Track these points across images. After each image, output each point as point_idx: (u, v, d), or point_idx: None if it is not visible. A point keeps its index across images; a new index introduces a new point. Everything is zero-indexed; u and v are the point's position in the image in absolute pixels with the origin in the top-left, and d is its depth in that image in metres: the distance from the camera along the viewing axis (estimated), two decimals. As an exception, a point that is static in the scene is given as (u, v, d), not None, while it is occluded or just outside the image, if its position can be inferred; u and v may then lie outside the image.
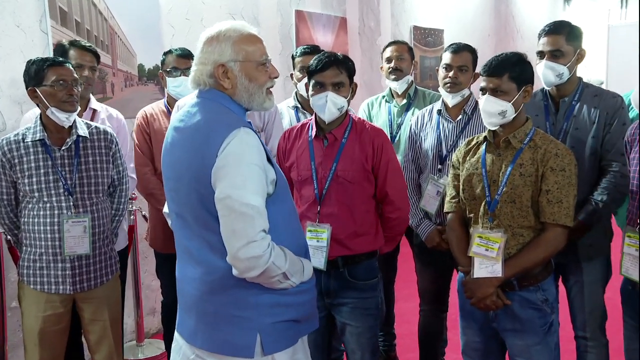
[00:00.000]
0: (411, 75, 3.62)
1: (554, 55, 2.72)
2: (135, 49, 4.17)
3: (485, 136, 2.41)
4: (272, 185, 1.90)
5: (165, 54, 3.37)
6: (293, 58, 3.48)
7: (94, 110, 3.12)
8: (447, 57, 2.99)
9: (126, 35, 4.10)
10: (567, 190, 2.25)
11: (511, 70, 2.31)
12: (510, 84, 2.30)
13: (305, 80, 3.24)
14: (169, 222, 2.21)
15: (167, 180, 2.01)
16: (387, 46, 3.68)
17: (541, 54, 2.77)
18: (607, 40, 10.14)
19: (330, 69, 2.44)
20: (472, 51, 3.04)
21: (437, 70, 3.08)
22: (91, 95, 3.16)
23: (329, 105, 2.44)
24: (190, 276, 1.97)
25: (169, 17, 4.36)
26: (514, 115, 2.31)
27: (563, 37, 2.72)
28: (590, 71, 10.62)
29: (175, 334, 2.08)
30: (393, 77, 3.55)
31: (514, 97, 2.29)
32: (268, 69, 1.97)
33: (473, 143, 2.47)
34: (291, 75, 3.50)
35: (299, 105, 3.41)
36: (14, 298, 3.21)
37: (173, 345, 2.10)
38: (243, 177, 1.80)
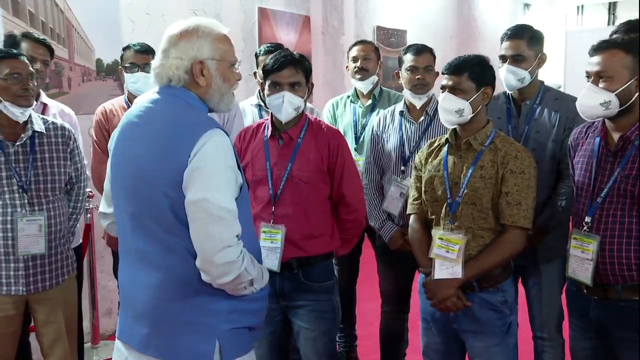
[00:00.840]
0: (377, 75, 3.62)
1: (516, 59, 2.74)
2: (93, 43, 4.07)
3: (447, 138, 2.42)
4: (238, 189, 1.85)
5: (124, 49, 3.30)
6: (257, 56, 3.45)
7: (45, 105, 3.02)
8: (410, 59, 2.99)
9: (84, 29, 4.00)
10: (526, 193, 2.27)
11: (471, 70, 2.33)
12: (469, 83, 2.32)
13: None
14: (105, 223, 2.09)
15: (119, 179, 1.91)
16: (353, 45, 3.68)
17: (503, 58, 2.79)
18: (565, 45, 10.35)
19: (287, 68, 2.41)
20: (432, 51, 3.07)
21: (397, 73, 3.08)
22: (41, 90, 3.06)
23: (286, 105, 2.41)
24: (144, 282, 1.87)
25: (129, 11, 4.27)
26: (472, 115, 2.32)
27: (525, 41, 2.75)
28: (548, 75, 10.85)
29: (118, 342, 1.98)
30: (359, 76, 3.54)
31: (472, 97, 2.31)
32: (234, 71, 1.93)
33: (435, 145, 2.48)
34: (254, 73, 3.46)
35: (262, 104, 3.38)
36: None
37: (115, 355, 1.99)
38: (219, 179, 1.75)
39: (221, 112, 2.06)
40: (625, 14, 10.86)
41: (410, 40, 7.74)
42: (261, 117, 3.32)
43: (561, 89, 10.78)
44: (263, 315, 2.01)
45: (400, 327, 3.22)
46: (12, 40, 2.93)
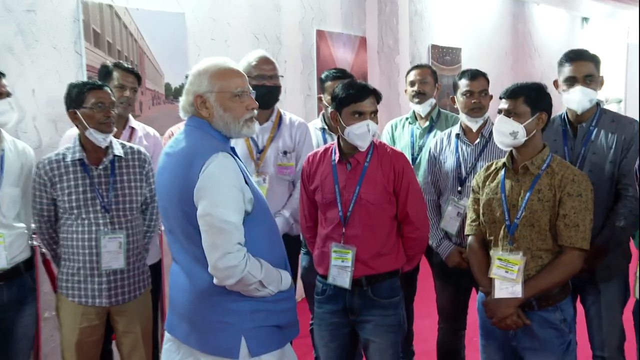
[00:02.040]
0: (434, 98, 3.72)
1: (586, 80, 2.79)
2: (162, 68, 4.31)
3: (504, 162, 2.50)
4: (249, 204, 2.13)
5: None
6: (322, 81, 3.54)
7: (132, 129, 3.24)
8: (465, 84, 3.10)
9: (154, 55, 4.24)
10: (583, 215, 2.34)
11: (527, 94, 2.42)
12: (525, 107, 2.41)
13: None
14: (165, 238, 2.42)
15: (159, 201, 2.27)
16: (410, 70, 3.80)
17: (572, 80, 2.81)
18: (626, 59, 10.18)
19: (369, 98, 2.57)
20: (486, 76, 3.18)
21: (452, 98, 3.18)
22: (130, 115, 3.29)
23: (371, 133, 2.56)
24: (181, 286, 2.22)
25: (195, 38, 4.50)
26: (526, 138, 2.40)
27: (592, 63, 2.82)
28: (609, 89, 10.68)
29: (168, 335, 2.30)
30: (417, 100, 3.65)
31: (526, 120, 2.39)
32: (243, 101, 2.17)
33: (492, 168, 2.57)
34: (320, 98, 3.57)
35: (326, 127, 3.51)
36: (46, 309, 3.34)
37: (166, 346, 2.29)
38: (221, 196, 2.04)
39: (235, 138, 2.27)
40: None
41: (465, 58, 7.80)
42: (325, 140, 3.46)
43: (621, 104, 10.55)
44: (291, 316, 2.28)
45: (457, 344, 3.28)
46: (105, 71, 3.19)
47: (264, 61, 3.16)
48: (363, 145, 2.59)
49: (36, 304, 2.84)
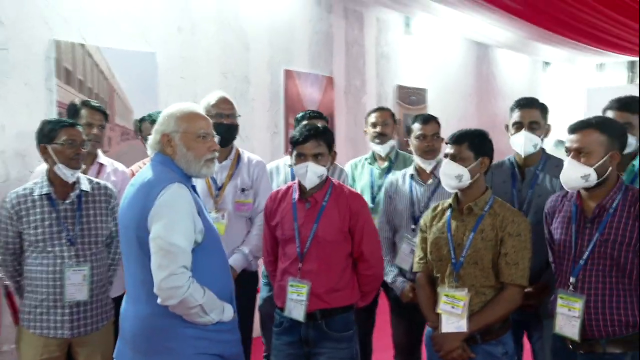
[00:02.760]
0: (393, 139, 3.89)
1: (532, 126, 2.99)
2: (132, 105, 4.42)
3: (450, 203, 2.66)
4: (200, 235, 2.30)
5: (140, 120, 3.68)
6: (297, 121, 3.70)
7: (101, 165, 3.35)
8: (418, 128, 3.30)
9: (124, 92, 4.35)
10: (522, 254, 2.52)
11: (471, 140, 2.61)
12: (469, 152, 2.59)
13: None
14: None
15: (120, 229, 2.45)
16: (371, 112, 3.98)
17: (519, 125, 3.01)
18: (586, 102, 10.58)
19: (310, 141, 2.71)
20: (437, 120, 3.38)
21: (406, 141, 3.36)
22: (99, 151, 3.39)
23: (309, 174, 2.70)
24: (127, 313, 2.37)
25: (165, 76, 4.63)
26: (470, 181, 2.57)
27: (538, 110, 3.02)
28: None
29: None
30: (377, 141, 3.83)
31: (470, 164, 2.57)
32: (207, 142, 2.38)
33: (439, 209, 2.73)
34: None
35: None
36: (5, 342, 3.36)
37: None
38: (171, 221, 2.21)
39: (195, 177, 2.45)
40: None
41: (431, 98, 8.05)
42: (293, 177, 3.58)
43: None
44: (233, 347, 2.41)
45: (412, 376, 3.39)
46: (73, 108, 3.32)
47: (223, 101, 3.32)
48: (305, 184, 2.74)
49: None
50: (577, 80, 11.78)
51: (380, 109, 4.01)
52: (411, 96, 7.74)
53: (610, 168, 2.38)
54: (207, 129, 2.41)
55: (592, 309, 2.35)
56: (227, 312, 2.35)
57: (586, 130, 2.41)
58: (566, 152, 2.47)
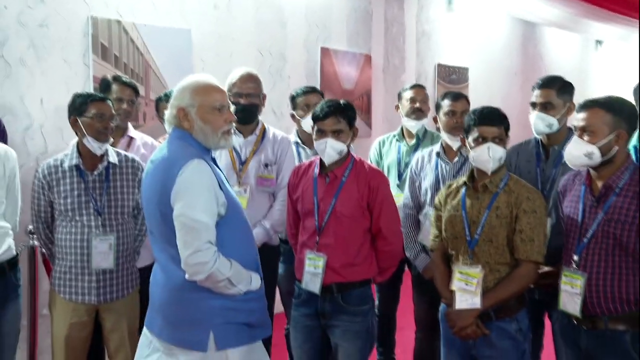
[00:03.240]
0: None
1: (545, 106, 2.96)
2: (167, 80, 4.51)
3: (465, 181, 2.65)
4: (223, 208, 2.32)
5: (157, 100, 3.74)
6: (293, 98, 3.70)
7: (131, 138, 3.44)
8: (448, 105, 3.28)
9: (159, 68, 4.45)
10: (538, 230, 2.50)
11: (505, 122, 2.62)
12: (503, 132, 2.60)
13: (309, 117, 3.53)
14: None
15: (143, 204, 2.49)
16: (408, 88, 3.96)
17: (534, 105, 3.00)
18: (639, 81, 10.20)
19: (330, 117, 2.73)
20: (467, 98, 3.37)
21: (435, 117, 3.34)
22: (129, 124, 3.48)
23: (329, 150, 2.73)
24: (158, 282, 2.43)
25: (201, 53, 4.71)
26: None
27: (553, 91, 2.96)
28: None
29: (145, 329, 2.49)
30: (414, 116, 3.81)
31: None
32: (223, 114, 2.39)
33: (453, 187, 2.72)
34: (292, 115, 3.73)
35: (299, 141, 3.68)
36: (45, 306, 3.53)
37: (142, 339, 2.49)
38: (194, 198, 2.24)
39: (214, 149, 2.47)
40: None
41: (473, 77, 7.93)
42: (298, 153, 3.63)
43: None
44: (260, 315, 2.45)
45: (433, 352, 3.37)
46: (105, 83, 3.40)
47: (244, 79, 3.32)
48: (325, 160, 2.77)
49: (19, 300, 2.99)
50: (632, 59, 11.35)
51: (418, 86, 4.00)
52: (452, 75, 7.64)
53: (617, 147, 2.35)
54: (223, 100, 2.42)
55: (593, 286, 2.36)
56: (255, 281, 2.40)
57: (592, 109, 2.39)
58: (574, 131, 2.44)
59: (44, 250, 3.14)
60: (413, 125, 3.83)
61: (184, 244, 2.24)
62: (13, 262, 2.94)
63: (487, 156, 2.55)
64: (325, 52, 5.82)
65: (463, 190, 2.65)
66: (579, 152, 2.38)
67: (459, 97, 3.32)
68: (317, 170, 2.84)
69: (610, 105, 2.38)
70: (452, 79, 7.62)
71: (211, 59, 4.78)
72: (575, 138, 2.41)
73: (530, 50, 9.47)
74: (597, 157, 2.35)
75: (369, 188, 2.77)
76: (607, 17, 8.45)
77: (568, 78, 3.10)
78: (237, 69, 3.46)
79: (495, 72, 8.53)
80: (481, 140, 2.58)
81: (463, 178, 2.68)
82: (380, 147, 3.95)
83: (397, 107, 4.00)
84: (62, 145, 3.79)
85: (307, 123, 3.54)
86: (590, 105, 2.40)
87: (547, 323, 3.08)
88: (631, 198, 2.33)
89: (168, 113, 2.43)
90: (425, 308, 3.33)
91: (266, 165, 3.32)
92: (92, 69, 3.95)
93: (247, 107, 3.28)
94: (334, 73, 5.94)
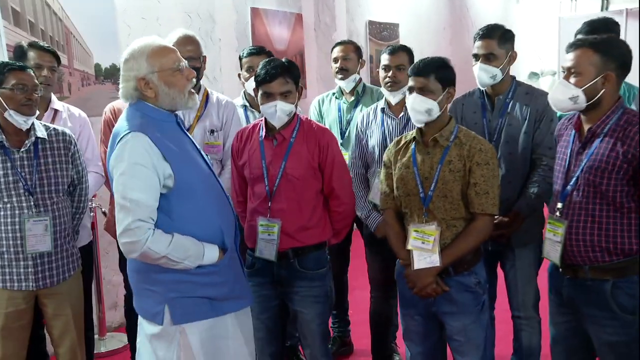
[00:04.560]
0: (358, 73, 3.77)
1: (488, 58, 2.92)
2: (91, 48, 4.24)
3: (414, 136, 2.58)
4: (170, 180, 2.20)
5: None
6: (240, 58, 3.60)
7: (56, 110, 3.19)
8: (384, 59, 3.19)
9: (82, 35, 4.16)
10: (492, 182, 2.45)
11: (436, 71, 2.49)
12: (437, 84, 2.48)
13: (252, 79, 3.40)
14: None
15: None
16: (334, 47, 3.84)
17: (476, 57, 2.96)
18: (558, 32, 10.44)
19: (277, 79, 2.60)
20: (408, 51, 3.24)
21: (377, 72, 3.25)
22: (52, 95, 3.22)
23: (279, 113, 2.61)
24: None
25: (125, 17, 4.43)
26: (439, 114, 2.48)
27: (495, 41, 2.92)
28: (543, 62, 10.96)
29: None
30: (340, 76, 3.71)
31: (439, 97, 2.47)
32: (184, 73, 2.26)
33: (402, 142, 2.64)
34: (239, 75, 3.61)
35: (247, 104, 3.55)
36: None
37: None
38: (124, 175, 2.15)
39: (182, 110, 2.38)
40: (618, 1, 10.97)
41: (403, 33, 7.88)
42: (247, 116, 3.50)
43: (556, 76, 10.76)
44: (223, 288, 2.32)
45: (389, 311, 3.39)
46: (20, 51, 3.10)
47: (182, 42, 3.12)
48: (274, 124, 2.65)
49: None
50: (550, 11, 11.62)
51: (341, 43, 3.86)
52: (383, 32, 7.56)
53: (604, 90, 2.26)
54: (180, 59, 2.28)
55: (573, 234, 2.31)
56: (209, 254, 2.27)
57: (580, 50, 2.28)
58: (562, 71, 2.36)
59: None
60: (343, 85, 3.74)
61: (117, 222, 2.17)
62: None
63: (410, 107, 2.50)
64: (255, 12, 5.62)
65: (413, 146, 2.58)
66: (563, 96, 2.29)
67: (396, 51, 3.20)
68: (262, 133, 2.72)
69: (600, 45, 2.26)
70: (384, 35, 7.55)
71: (137, 24, 4.51)
72: (561, 80, 2.32)
73: (457, 3, 9.51)
74: (583, 101, 2.27)
75: (318, 147, 2.67)
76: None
77: None
78: (173, 31, 3.24)
79: (425, 27, 8.52)
80: (409, 91, 2.52)
81: (412, 133, 2.61)
82: (320, 105, 3.85)
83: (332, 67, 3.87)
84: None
85: (251, 85, 3.42)
86: (579, 45, 2.29)
87: (500, 273, 3.13)
88: (612, 145, 2.23)
89: (124, 88, 2.26)
90: (379, 267, 3.29)
91: (212, 132, 3.16)
92: (3, 37, 3.63)
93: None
94: (266, 34, 5.76)
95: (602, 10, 11.45)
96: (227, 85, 5.25)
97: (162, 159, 2.18)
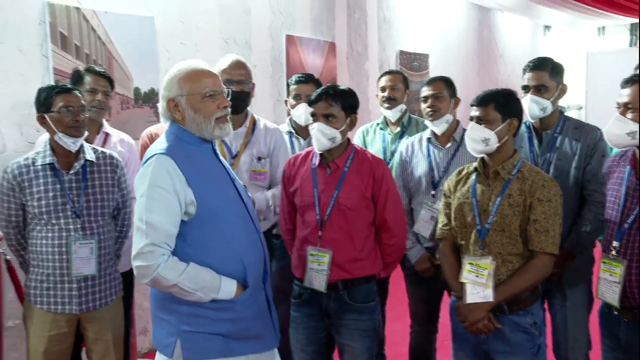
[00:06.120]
0: (405, 104, 3.75)
1: (538, 89, 2.87)
2: (132, 72, 4.25)
3: (476, 167, 2.54)
4: (192, 207, 2.13)
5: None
6: (288, 85, 3.61)
7: (107, 134, 3.19)
8: (424, 90, 3.21)
9: (123, 59, 4.19)
10: (553, 220, 2.38)
11: (497, 101, 2.46)
12: (495, 114, 2.45)
13: (299, 106, 3.41)
14: None
15: None
16: (382, 75, 3.82)
17: (526, 88, 2.91)
18: (585, 66, 10.42)
19: (321, 101, 2.59)
20: (446, 80, 3.25)
21: (415, 106, 3.25)
22: (104, 120, 3.23)
23: (318, 135, 2.58)
24: None
25: (165, 42, 4.46)
26: (498, 145, 2.44)
27: (546, 72, 2.88)
28: (570, 96, 10.91)
29: None
30: (387, 105, 3.68)
31: (497, 127, 2.43)
32: (215, 100, 2.21)
33: (463, 173, 2.60)
34: (285, 101, 3.62)
35: (293, 131, 3.54)
36: (9, 318, 3.26)
37: None
38: (143, 197, 2.10)
39: (209, 139, 2.28)
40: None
41: (433, 63, 7.90)
42: (292, 144, 3.48)
43: (582, 110, 10.73)
44: (239, 326, 2.19)
45: (429, 347, 3.31)
46: (77, 75, 3.13)
47: (234, 66, 3.13)
48: (315, 147, 2.63)
49: None
50: (578, 44, 11.61)
51: (390, 72, 3.85)
52: (413, 62, 7.58)
53: None
54: (214, 86, 2.23)
55: (633, 275, 2.23)
56: (226, 288, 2.15)
57: (637, 85, 2.25)
58: (617, 107, 2.32)
59: (7, 257, 2.87)
60: (389, 115, 3.72)
61: (132, 244, 2.11)
62: None
63: (467, 135, 2.49)
64: (290, 39, 5.65)
65: (473, 176, 2.53)
66: (620, 132, 2.26)
67: (433, 81, 3.24)
68: (316, 161, 2.68)
69: None
70: (414, 65, 7.56)
71: (176, 48, 4.54)
72: (617, 116, 2.29)
73: (485, 35, 9.53)
74: None
75: (373, 178, 2.63)
76: (556, 1, 8.56)
77: (519, 62, 3.05)
78: (226, 55, 3.25)
79: (454, 57, 8.54)
80: (470, 120, 2.50)
81: (474, 164, 2.56)
82: (364, 135, 3.82)
83: (377, 96, 3.84)
84: (21, 142, 3.52)
85: (297, 113, 3.41)
86: (637, 80, 2.26)
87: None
88: None
89: (160, 106, 2.27)
90: (422, 300, 3.24)
91: (259, 159, 3.13)
92: (51, 60, 3.66)
93: (239, 94, 3.09)
94: (300, 61, 5.78)
95: (630, 45, 11.43)
96: (261, 112, 5.22)
97: (185, 184, 2.12)
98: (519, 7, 9.06)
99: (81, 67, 3.23)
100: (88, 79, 3.08)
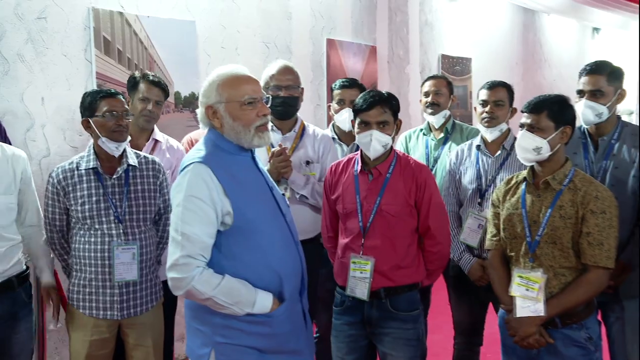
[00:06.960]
0: (449, 109, 3.65)
1: (594, 94, 2.75)
2: (172, 76, 4.26)
3: (525, 176, 2.44)
4: (229, 217, 2.07)
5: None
6: (332, 90, 3.55)
7: (156, 141, 3.18)
8: (483, 94, 3.07)
9: (164, 63, 4.20)
10: (607, 233, 2.27)
11: (550, 108, 2.36)
12: (548, 122, 2.35)
13: (343, 112, 3.34)
14: None
15: None
16: (426, 80, 3.74)
17: (581, 93, 2.80)
18: (638, 70, 10.07)
19: (375, 108, 2.53)
20: (508, 87, 3.11)
21: (475, 108, 3.13)
22: (155, 127, 3.21)
23: (374, 143, 2.52)
24: None
25: (205, 46, 4.46)
26: (550, 154, 2.34)
27: (604, 77, 2.76)
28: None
29: None
30: (430, 111, 3.59)
31: (550, 135, 2.33)
32: (255, 107, 2.13)
33: (513, 182, 2.50)
34: (329, 106, 3.56)
35: (336, 137, 3.47)
36: (51, 321, 3.26)
37: None
38: (179, 207, 2.05)
39: (248, 147, 2.21)
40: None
41: (475, 68, 7.74)
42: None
43: (633, 115, 10.40)
44: (269, 341, 2.13)
45: (473, 358, 3.20)
46: (133, 81, 3.13)
47: (282, 71, 3.11)
48: (369, 154, 2.56)
49: (31, 318, 2.72)
50: (630, 47, 11.25)
51: (434, 77, 3.76)
52: (455, 66, 7.44)
53: None
54: (253, 93, 2.16)
55: None
56: (261, 302, 2.10)
57: None
58: None
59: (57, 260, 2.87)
60: (432, 120, 3.62)
61: (168, 255, 2.07)
62: (23, 277, 2.68)
63: (517, 144, 2.39)
64: (331, 43, 5.60)
65: (523, 186, 2.43)
66: None
67: (495, 86, 3.08)
68: (358, 167, 2.63)
69: None
70: (456, 70, 7.43)
71: (217, 52, 4.54)
72: None
73: (530, 38, 9.31)
74: None
75: (416, 184, 2.56)
76: (606, 3, 8.31)
77: (566, 66, 2.91)
78: (275, 61, 3.24)
79: (497, 62, 8.36)
80: (520, 128, 2.41)
81: (523, 173, 2.46)
82: (407, 141, 3.74)
83: (420, 101, 3.76)
84: (64, 146, 3.55)
85: (340, 118, 3.35)
86: None
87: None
88: None
89: (199, 112, 2.22)
90: (466, 311, 3.14)
91: (307, 163, 3.09)
92: (94, 64, 3.68)
93: (287, 99, 3.06)
94: (340, 65, 5.72)
95: (682, 48, 11.03)
96: (302, 116, 5.18)
97: (222, 194, 2.06)
98: (566, 8, 8.81)
99: (137, 73, 3.20)
100: (142, 87, 3.08)
